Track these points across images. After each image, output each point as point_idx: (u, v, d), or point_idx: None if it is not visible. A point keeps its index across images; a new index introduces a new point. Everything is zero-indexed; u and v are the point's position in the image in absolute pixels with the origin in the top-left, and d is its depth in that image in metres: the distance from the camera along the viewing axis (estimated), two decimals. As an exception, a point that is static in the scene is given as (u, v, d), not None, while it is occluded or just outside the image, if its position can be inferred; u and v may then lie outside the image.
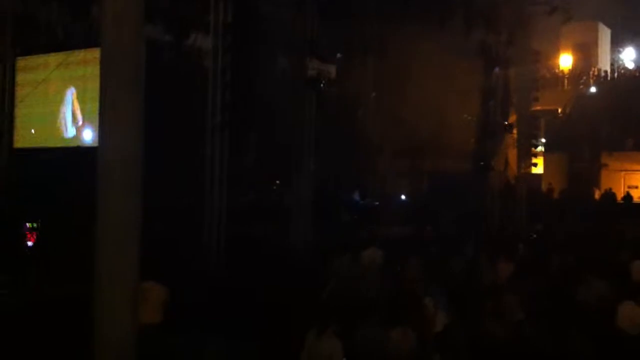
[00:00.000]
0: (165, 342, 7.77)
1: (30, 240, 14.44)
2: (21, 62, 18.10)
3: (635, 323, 8.57)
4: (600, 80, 35.19)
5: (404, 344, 7.39)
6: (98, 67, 6.49)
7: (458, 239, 14.91)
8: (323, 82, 18.25)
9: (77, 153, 15.81)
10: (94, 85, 12.07)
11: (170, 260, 10.01)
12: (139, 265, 6.28)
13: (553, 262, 12.38)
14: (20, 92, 18.04)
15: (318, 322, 7.07)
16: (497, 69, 20.99)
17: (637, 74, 35.76)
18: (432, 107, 20.69)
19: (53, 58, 17.12)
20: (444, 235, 16.60)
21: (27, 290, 11.61)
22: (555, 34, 34.90)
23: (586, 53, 38.14)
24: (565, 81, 36.49)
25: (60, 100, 17.25)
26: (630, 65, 38.42)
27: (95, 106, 7.38)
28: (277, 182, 20.19)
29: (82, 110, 16.73)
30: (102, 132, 6.38)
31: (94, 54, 15.11)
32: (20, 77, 18.11)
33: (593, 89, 34.59)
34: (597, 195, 28.23)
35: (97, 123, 6.54)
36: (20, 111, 18.12)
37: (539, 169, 27.96)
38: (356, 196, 23.38)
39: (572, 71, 37.18)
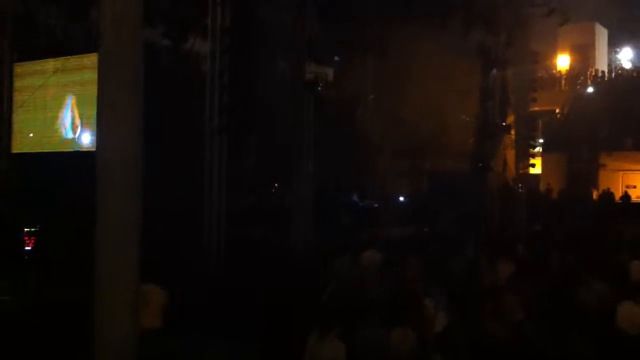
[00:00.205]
0: (165, 345, 7.77)
1: (29, 245, 14.42)
2: (19, 68, 18.13)
3: (635, 323, 8.58)
4: (597, 81, 35.23)
5: (404, 344, 7.40)
6: (96, 72, 6.50)
7: (457, 239, 14.92)
8: (321, 85, 18.28)
9: (76, 157, 15.82)
10: (92, 91, 12.08)
11: (170, 263, 10.01)
12: (139, 268, 6.28)
13: (552, 263, 12.39)
14: (18, 97, 18.06)
15: (320, 324, 7.07)
16: (495, 70, 21.02)
17: (635, 75, 35.80)
18: (431, 108, 20.71)
19: (51, 64, 17.14)
20: (444, 236, 16.61)
21: (28, 295, 11.60)
22: (553, 35, 34.94)
23: (583, 54, 38.21)
24: (563, 82, 36.54)
25: (58, 106, 17.26)
26: (628, 65, 38.49)
27: (93, 111, 7.40)
28: (277, 184, 20.20)
29: (80, 115, 16.74)
30: (101, 134, 6.39)
31: (92, 59, 15.13)
32: (18, 83, 18.14)
33: (591, 90, 34.63)
34: (595, 195, 28.25)
35: (95, 128, 6.56)
36: (18, 116, 18.13)
37: (537, 170, 27.97)
38: (355, 198, 23.39)
39: (570, 72, 37.23)
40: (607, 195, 26.86)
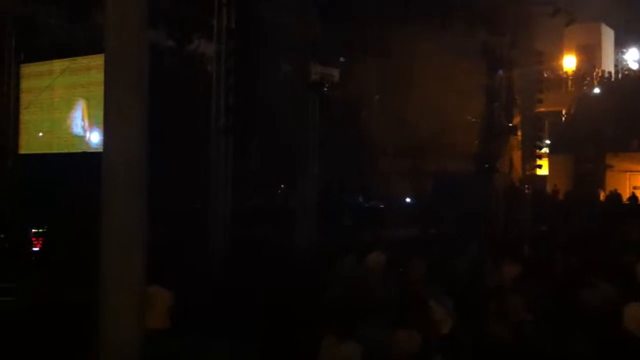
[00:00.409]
0: (170, 346, 7.77)
1: (36, 246, 14.47)
2: (25, 69, 18.20)
3: (642, 324, 8.54)
4: (604, 82, 35.13)
5: (410, 346, 7.38)
6: (102, 73, 6.51)
7: (463, 240, 14.89)
8: (326, 86, 18.29)
9: (82, 157, 15.86)
10: (99, 92, 12.12)
11: (175, 264, 10.02)
12: (145, 269, 6.29)
13: (558, 264, 12.35)
14: (25, 98, 18.13)
15: (334, 327, 7.01)
16: (501, 71, 20.98)
17: (641, 75, 35.76)
18: (436, 109, 20.69)
19: (57, 65, 17.21)
20: (449, 237, 16.59)
21: (34, 296, 11.62)
22: (559, 35, 34.88)
23: (590, 54, 38.15)
24: (569, 82, 36.45)
25: (65, 107, 17.33)
26: (634, 66, 38.40)
27: (100, 112, 7.41)
28: (282, 185, 20.22)
29: (87, 116, 16.79)
30: (107, 136, 6.40)
31: (98, 60, 15.18)
32: (24, 84, 18.21)
33: (597, 91, 34.54)
34: (602, 196, 28.17)
35: (102, 128, 6.57)
36: (25, 117, 18.21)
37: (543, 171, 27.91)
38: (361, 199, 23.39)
39: (576, 72, 37.15)
40: (614, 196, 26.78)
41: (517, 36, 20.59)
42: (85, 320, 6.78)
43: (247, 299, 9.94)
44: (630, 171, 29.70)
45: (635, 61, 39.45)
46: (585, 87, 35.32)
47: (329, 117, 18.32)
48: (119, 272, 6.20)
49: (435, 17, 18.94)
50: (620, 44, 40.01)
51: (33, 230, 14.70)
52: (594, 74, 36.02)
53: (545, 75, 28.67)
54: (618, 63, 39.03)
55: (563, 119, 34.25)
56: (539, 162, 23.73)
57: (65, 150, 17.09)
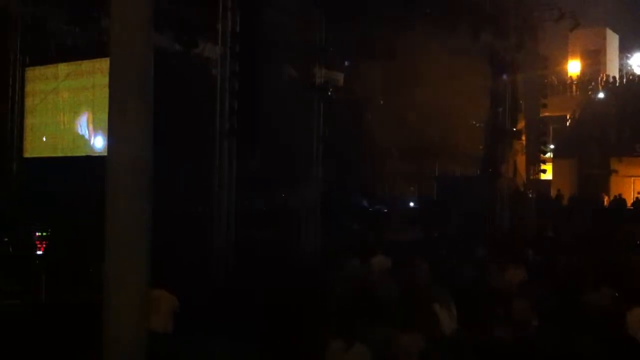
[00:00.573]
0: (174, 347, 7.79)
1: (40, 249, 14.49)
2: (31, 72, 18.23)
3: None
4: (609, 86, 35.08)
5: (414, 348, 7.38)
6: (107, 76, 6.54)
7: (467, 244, 14.89)
8: (331, 89, 18.32)
9: (87, 161, 15.89)
10: (103, 95, 12.17)
11: (179, 265, 10.04)
12: (149, 270, 6.30)
13: (562, 268, 12.34)
14: (29, 102, 18.17)
15: (342, 330, 7.00)
16: (505, 75, 21.00)
17: (646, 80, 35.67)
18: (441, 113, 20.70)
19: (62, 68, 17.25)
20: (453, 241, 16.59)
21: (38, 298, 11.65)
22: (564, 40, 34.88)
23: (594, 59, 38.11)
24: (574, 87, 36.42)
25: (69, 110, 17.36)
26: (639, 71, 38.31)
27: (104, 115, 7.44)
28: (286, 188, 20.21)
29: (92, 119, 16.83)
30: (112, 139, 6.42)
31: (103, 63, 15.24)
32: (29, 87, 18.24)
33: (602, 95, 34.49)
34: (606, 200, 28.12)
35: (106, 131, 6.59)
36: (29, 121, 18.25)
37: (548, 175, 27.89)
38: (365, 202, 23.39)
39: (581, 77, 37.11)
40: (619, 201, 26.72)
41: (522, 41, 20.61)
42: (90, 322, 6.80)
43: (250, 300, 9.95)
44: (635, 176, 29.66)
45: (639, 66, 39.39)
46: (589, 92, 35.26)
47: (333, 120, 18.34)
48: (123, 273, 6.22)
49: (441, 21, 18.96)
50: (625, 49, 39.94)
51: (37, 233, 14.73)
52: (599, 78, 35.97)
53: (550, 79, 28.66)
54: (623, 68, 38.95)
55: (567, 123, 34.21)
56: (543, 166, 23.74)
57: (70, 154, 17.12)
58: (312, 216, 16.75)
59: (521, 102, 22.76)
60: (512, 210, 21.46)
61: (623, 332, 8.53)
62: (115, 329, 6.24)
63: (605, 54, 38.40)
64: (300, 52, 17.28)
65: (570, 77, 37.43)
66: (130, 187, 6.29)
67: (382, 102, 23.76)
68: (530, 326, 8.30)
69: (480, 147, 22.01)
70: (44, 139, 18.12)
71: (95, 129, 16.68)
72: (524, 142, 23.73)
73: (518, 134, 22.40)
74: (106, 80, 6.58)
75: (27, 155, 18.30)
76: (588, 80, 36.24)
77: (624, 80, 36.02)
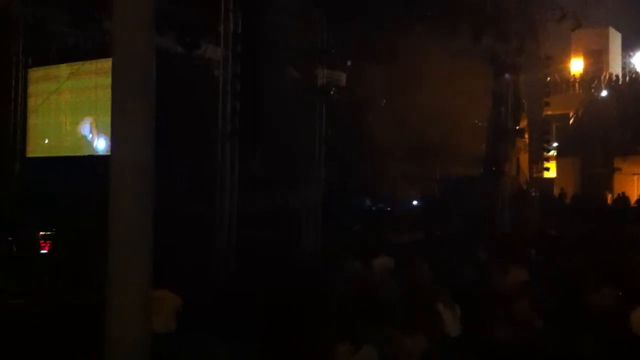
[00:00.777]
0: (176, 347, 7.81)
1: (44, 249, 14.53)
2: (33, 73, 18.28)
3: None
4: (611, 85, 35.07)
5: (417, 350, 7.38)
6: (109, 77, 6.55)
7: (470, 244, 14.88)
8: (333, 90, 18.32)
9: (89, 161, 15.93)
10: (106, 96, 12.18)
11: (181, 265, 10.06)
12: (151, 270, 6.32)
13: (566, 267, 12.32)
14: (32, 102, 18.21)
15: (350, 333, 6.99)
16: (508, 74, 20.98)
17: (649, 79, 35.68)
18: (444, 113, 20.69)
19: (65, 69, 17.28)
20: (456, 241, 16.58)
21: (42, 298, 11.67)
22: (567, 39, 34.85)
23: (597, 58, 38.11)
24: (577, 86, 36.42)
25: (72, 111, 17.39)
26: (642, 69, 38.32)
27: (106, 116, 7.45)
28: (287, 189, 20.22)
29: (94, 120, 16.86)
30: (114, 139, 6.43)
31: (105, 64, 15.27)
32: (32, 88, 18.29)
33: (605, 94, 34.47)
34: (610, 199, 28.11)
35: (109, 132, 6.60)
36: (32, 121, 18.29)
37: (551, 174, 27.86)
38: (367, 202, 23.38)
39: (583, 76, 37.11)
40: (622, 199, 26.71)
41: (524, 40, 20.59)
42: (93, 322, 6.81)
43: (252, 301, 9.96)
44: (638, 174, 29.63)
45: (642, 64, 39.38)
46: (592, 90, 35.25)
47: (335, 120, 18.35)
48: (126, 273, 6.24)
49: (443, 21, 18.96)
50: (628, 48, 39.94)
51: (41, 233, 14.76)
52: (602, 77, 35.96)
53: (553, 78, 28.64)
54: (625, 66, 38.94)
55: (570, 122, 34.20)
56: (546, 165, 23.72)
57: (72, 153, 17.16)
58: (314, 217, 16.75)
59: (524, 100, 22.75)
60: (515, 209, 21.44)
61: (627, 332, 8.53)
62: (118, 329, 6.25)
63: (608, 53, 38.40)
64: (302, 53, 17.28)
65: (573, 75, 37.43)
66: (132, 188, 6.30)
67: (384, 102, 23.76)
68: (533, 327, 8.29)
69: (483, 146, 21.99)
70: (46, 140, 18.18)
71: (97, 130, 16.71)
72: (526, 141, 23.73)
73: (521, 133, 22.38)
74: (108, 81, 6.59)
75: (30, 155, 18.35)
76: (591, 78, 36.24)
77: (627, 78, 36.02)
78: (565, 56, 37.11)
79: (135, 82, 6.35)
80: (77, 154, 17.01)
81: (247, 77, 14.41)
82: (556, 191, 29.15)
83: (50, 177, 16.44)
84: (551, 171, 26.64)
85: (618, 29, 38.71)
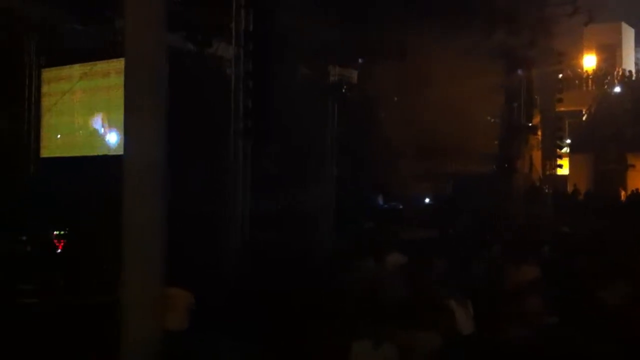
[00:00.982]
0: (188, 346, 7.83)
1: (58, 248, 14.60)
2: (46, 73, 18.38)
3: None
4: (624, 81, 34.86)
5: (430, 348, 7.36)
6: (121, 77, 6.58)
7: (482, 241, 14.84)
8: (345, 87, 18.32)
9: (102, 160, 16.00)
10: (118, 95, 12.24)
11: (193, 265, 10.08)
12: (164, 269, 6.35)
13: (580, 265, 12.25)
14: (46, 102, 18.31)
15: (369, 331, 6.99)
16: (520, 71, 20.92)
17: (663, 74, 35.47)
18: (456, 110, 20.62)
19: (77, 69, 17.38)
20: (468, 238, 16.54)
21: (56, 298, 11.73)
22: (579, 34, 34.70)
23: (610, 53, 37.90)
24: (590, 82, 36.23)
25: (84, 110, 17.49)
26: (656, 65, 38.10)
27: (119, 115, 7.48)
28: (300, 187, 20.25)
29: (107, 119, 16.94)
30: (127, 139, 6.47)
31: (118, 64, 15.33)
32: (45, 88, 18.39)
33: (617, 90, 34.28)
34: (623, 195, 27.96)
35: (122, 131, 6.64)
36: (46, 121, 18.40)
37: (564, 170, 27.75)
38: (379, 200, 23.36)
39: (596, 72, 36.91)
40: (636, 196, 26.56)
41: (536, 36, 20.52)
42: (107, 321, 6.85)
43: (264, 300, 9.96)
44: (652, 170, 29.49)
45: (656, 60, 39.14)
46: (605, 86, 35.06)
47: (347, 118, 18.35)
48: (140, 272, 6.27)
49: (455, 17, 18.90)
50: (642, 43, 39.74)
51: (55, 233, 14.84)
52: (615, 72, 35.75)
53: (565, 74, 28.51)
54: (639, 62, 38.70)
55: (584, 118, 34.04)
56: (559, 161, 23.65)
57: (86, 153, 17.26)
58: (326, 214, 16.76)
59: (536, 97, 22.69)
60: (528, 206, 21.38)
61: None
62: (132, 327, 6.28)
63: (621, 48, 38.19)
64: (313, 51, 17.29)
65: (586, 71, 37.24)
66: (145, 187, 6.33)
67: (396, 99, 23.71)
68: (545, 325, 8.25)
69: (496, 143, 21.94)
70: (59, 138, 18.28)
71: (110, 129, 16.79)
72: (539, 137, 23.68)
73: (534, 129, 22.33)
74: (121, 80, 6.62)
75: (44, 155, 18.46)
76: (604, 74, 36.05)
77: (640, 74, 35.85)
78: (578, 52, 36.94)
79: (148, 81, 6.38)
80: (91, 154, 17.10)
81: (259, 75, 14.43)
82: (569, 188, 29.03)
83: (64, 177, 16.51)
84: (564, 168, 26.54)
85: (631, 25, 38.47)
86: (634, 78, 35.09)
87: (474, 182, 22.13)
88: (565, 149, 27.98)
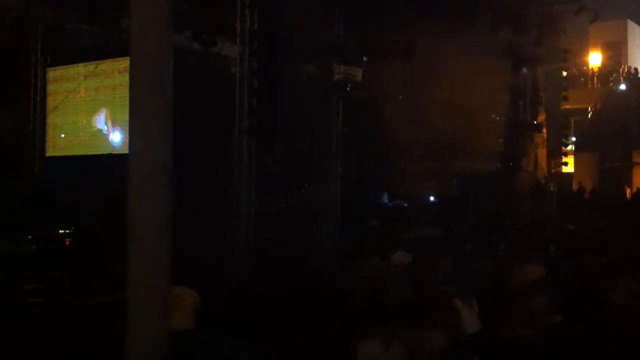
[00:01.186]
0: (193, 346, 7.83)
1: (63, 247, 14.62)
2: (52, 72, 18.42)
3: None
4: (630, 78, 34.76)
5: (436, 347, 7.35)
6: (127, 76, 6.58)
7: (488, 240, 14.81)
8: (349, 85, 18.30)
9: (107, 159, 16.03)
10: (123, 94, 12.28)
11: (197, 264, 10.08)
12: (170, 269, 6.35)
13: (586, 263, 12.23)
14: (51, 101, 18.35)
15: (377, 330, 6.98)
16: (525, 69, 20.88)
17: (668, 71, 35.32)
18: (461, 108, 20.61)
19: (83, 68, 17.42)
20: (473, 236, 16.50)
21: (61, 297, 11.75)
22: (585, 32, 34.61)
23: (616, 51, 37.80)
24: (595, 79, 36.15)
25: (89, 109, 17.53)
26: (661, 62, 37.94)
27: (124, 114, 7.50)
28: (305, 185, 20.25)
29: (111, 118, 16.98)
30: (132, 138, 6.47)
31: (123, 63, 15.37)
32: (51, 87, 18.44)
33: (623, 87, 34.18)
34: (629, 193, 27.90)
35: (127, 130, 6.65)
36: (51, 120, 18.44)
37: (569, 168, 27.70)
38: (384, 198, 23.36)
39: (602, 69, 36.82)
40: (642, 193, 26.53)
41: (541, 33, 20.47)
42: (113, 321, 6.86)
43: (269, 299, 9.96)
44: (659, 168, 29.42)
45: (662, 57, 38.99)
46: (611, 84, 34.97)
47: (352, 116, 18.34)
48: (145, 272, 6.28)
49: (460, 15, 18.87)
50: (647, 40, 39.59)
51: (60, 232, 14.87)
52: (620, 70, 35.66)
53: (571, 72, 28.44)
54: (645, 59, 38.61)
55: (589, 116, 33.96)
56: (564, 159, 23.59)
57: (90, 152, 17.30)
58: (332, 213, 16.74)
59: (542, 95, 22.64)
60: (533, 205, 21.34)
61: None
62: (138, 326, 6.29)
63: (626, 46, 38.07)
64: (318, 49, 17.27)
65: (592, 69, 37.15)
66: (150, 187, 6.34)
67: (400, 97, 23.70)
68: (551, 323, 8.23)
69: (501, 141, 21.91)
70: (64, 137, 18.31)
71: (115, 128, 16.83)
72: (544, 135, 23.61)
73: (539, 127, 22.28)
74: (126, 79, 6.63)
75: (49, 154, 18.51)
76: (609, 72, 35.96)
77: (646, 72, 35.71)
78: (583, 50, 36.83)
79: (153, 81, 6.38)
80: (96, 153, 17.14)
81: (264, 74, 14.42)
82: (574, 186, 28.97)
83: (69, 176, 16.54)
84: (569, 166, 26.49)
85: (636, 22, 38.36)
86: (639, 76, 34.99)
87: (479, 180, 22.11)
88: (571, 147, 27.93)
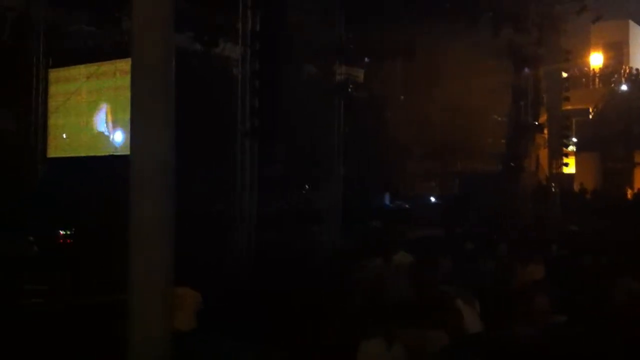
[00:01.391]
0: (194, 346, 7.84)
1: (65, 249, 14.64)
2: (53, 73, 18.43)
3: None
4: (631, 78, 34.75)
5: (437, 347, 7.35)
6: (128, 77, 6.58)
7: (489, 240, 14.81)
8: (351, 86, 18.31)
9: (109, 160, 16.04)
10: (125, 95, 12.26)
11: (199, 265, 10.08)
12: (172, 270, 6.35)
13: (587, 263, 12.23)
14: (53, 103, 18.37)
15: (379, 331, 6.98)
16: (527, 69, 20.87)
17: (670, 72, 35.30)
18: (462, 109, 20.62)
19: (84, 69, 17.42)
20: (475, 237, 16.51)
21: (63, 298, 11.76)
22: (586, 32, 34.60)
23: (617, 51, 37.77)
24: (597, 80, 36.13)
25: (91, 110, 17.54)
26: (662, 63, 37.91)
27: (126, 115, 7.50)
28: (307, 187, 20.27)
29: (113, 119, 16.99)
30: (134, 140, 6.47)
31: (124, 64, 15.37)
32: (52, 89, 18.45)
33: (624, 88, 34.18)
34: (630, 194, 27.88)
35: (128, 132, 6.64)
36: (53, 121, 18.45)
37: (571, 169, 27.69)
38: (386, 199, 23.36)
39: (603, 70, 36.80)
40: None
41: (543, 34, 20.48)
42: (114, 322, 6.86)
43: (271, 300, 9.96)
44: (660, 169, 29.40)
45: (663, 58, 38.96)
46: (612, 85, 34.95)
47: (354, 117, 18.34)
48: (147, 273, 6.27)
49: (461, 16, 18.88)
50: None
51: (62, 233, 14.88)
52: (622, 71, 35.64)
53: (572, 72, 28.42)
54: (646, 60, 38.57)
55: (590, 116, 33.94)
56: (566, 160, 23.58)
57: (92, 153, 17.30)
58: (334, 214, 16.75)
59: (543, 95, 22.63)
60: (535, 205, 21.34)
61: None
62: (139, 328, 6.29)
63: (628, 46, 38.04)
64: (319, 50, 17.29)
65: (593, 69, 37.13)
66: (153, 188, 6.33)
67: (402, 98, 23.72)
68: (552, 324, 8.23)
69: (502, 141, 21.91)
70: (66, 139, 18.32)
71: (116, 129, 16.84)
72: (546, 136, 23.62)
73: (540, 128, 22.28)
74: (127, 81, 6.63)
75: (51, 155, 18.52)
76: (611, 72, 35.93)
77: (647, 72, 35.69)
78: (585, 50, 36.80)
79: (155, 82, 6.38)
80: (97, 154, 17.15)
81: (266, 75, 14.44)
82: (576, 186, 28.96)
83: (71, 177, 16.56)
84: (570, 166, 26.48)
85: (638, 23, 38.34)
86: (640, 76, 35.02)
87: (481, 180, 22.11)
88: (572, 148, 27.92)
